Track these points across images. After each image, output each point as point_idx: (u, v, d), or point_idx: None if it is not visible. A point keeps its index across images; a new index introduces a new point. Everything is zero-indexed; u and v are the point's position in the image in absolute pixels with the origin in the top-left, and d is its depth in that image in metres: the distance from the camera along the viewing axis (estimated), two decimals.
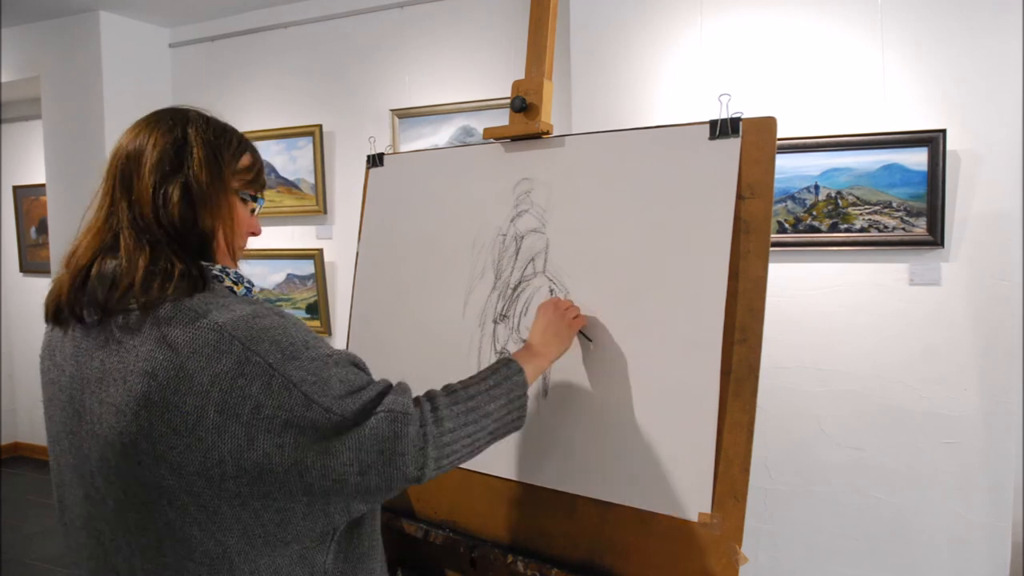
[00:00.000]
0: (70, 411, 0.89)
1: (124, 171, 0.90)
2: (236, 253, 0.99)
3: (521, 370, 1.11)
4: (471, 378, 1.07)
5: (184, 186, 0.89)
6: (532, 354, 1.21)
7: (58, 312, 0.90)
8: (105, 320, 0.86)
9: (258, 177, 1.01)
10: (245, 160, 0.99)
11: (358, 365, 0.93)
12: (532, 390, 1.43)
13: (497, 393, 1.05)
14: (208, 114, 0.98)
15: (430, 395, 0.98)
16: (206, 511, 0.81)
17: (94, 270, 0.87)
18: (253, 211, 1.01)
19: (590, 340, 1.36)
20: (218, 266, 0.94)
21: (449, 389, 1.02)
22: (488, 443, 1.03)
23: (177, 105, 0.98)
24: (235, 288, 0.94)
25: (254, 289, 0.98)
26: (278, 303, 3.46)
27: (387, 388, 0.91)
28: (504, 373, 1.09)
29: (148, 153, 0.89)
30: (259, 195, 1.02)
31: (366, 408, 0.86)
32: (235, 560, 0.82)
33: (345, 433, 0.83)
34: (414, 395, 0.96)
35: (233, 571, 0.83)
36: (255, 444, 0.80)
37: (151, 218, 0.87)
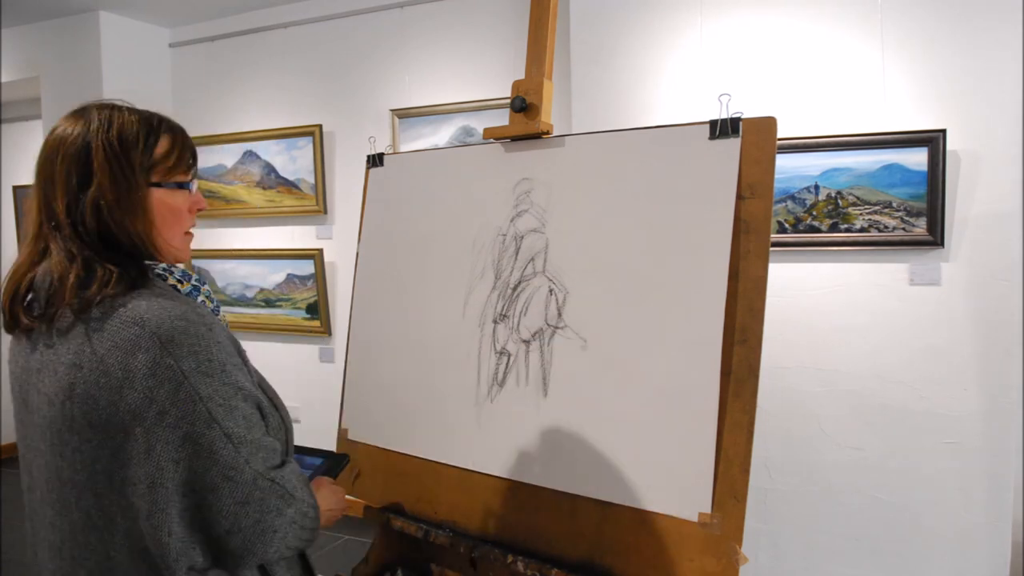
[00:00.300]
0: (20, 402, 0.92)
1: (45, 191, 0.90)
2: (175, 247, 0.96)
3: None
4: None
5: (94, 201, 0.87)
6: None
7: (6, 318, 0.91)
8: (48, 312, 0.88)
9: (180, 160, 0.95)
10: (162, 148, 0.93)
11: (262, 410, 0.92)
12: (533, 389, 1.44)
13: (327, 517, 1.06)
14: (119, 105, 0.93)
15: (309, 490, 0.97)
16: (104, 517, 0.83)
17: (37, 278, 0.88)
18: (189, 191, 0.97)
19: None
20: (161, 265, 0.93)
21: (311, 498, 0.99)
22: (282, 555, 0.97)
23: (90, 102, 0.94)
24: (179, 286, 0.93)
25: (203, 287, 0.97)
26: (277, 303, 3.47)
27: (279, 460, 0.91)
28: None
29: (58, 171, 0.88)
30: (188, 179, 0.97)
31: (259, 460, 0.87)
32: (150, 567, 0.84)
33: (237, 479, 0.84)
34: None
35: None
36: (152, 454, 0.81)
37: (72, 233, 0.87)
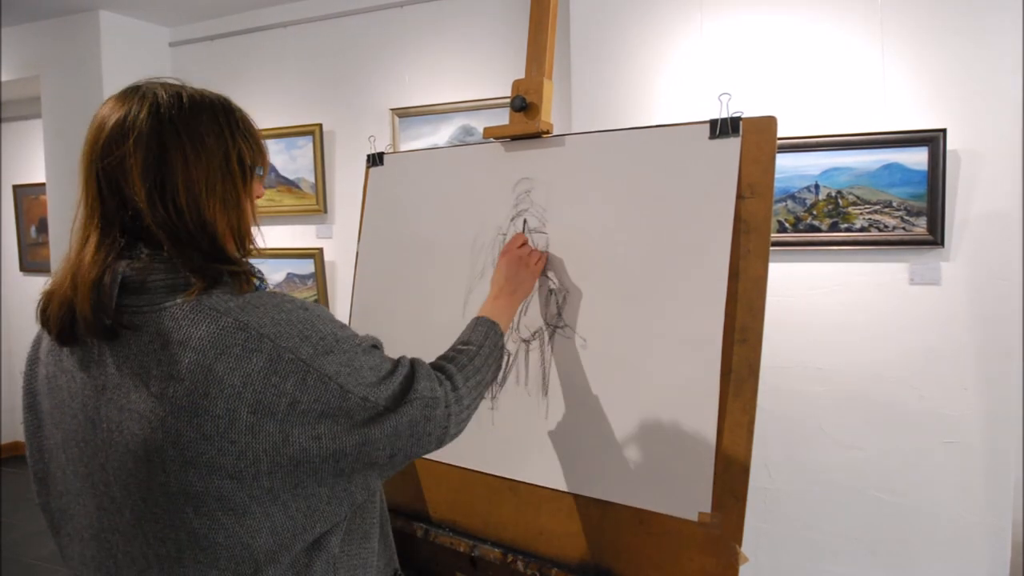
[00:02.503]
0: (82, 418, 0.84)
1: (109, 169, 0.83)
2: (246, 240, 0.92)
3: (502, 333, 1.19)
4: (469, 346, 1.11)
5: (186, 180, 0.83)
6: (502, 308, 1.28)
7: (71, 327, 0.82)
8: (116, 323, 0.81)
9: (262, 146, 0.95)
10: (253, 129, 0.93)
11: (378, 347, 0.94)
12: (533, 389, 1.44)
13: (491, 361, 1.12)
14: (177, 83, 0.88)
15: (446, 373, 1.00)
16: (235, 514, 0.78)
17: (106, 277, 0.81)
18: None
19: (552, 283, 1.44)
20: (233, 260, 0.87)
21: (458, 364, 1.04)
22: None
23: (151, 79, 0.89)
24: (247, 270, 0.89)
25: (266, 279, 0.94)
26: None
27: (412, 371, 0.93)
28: (493, 339, 1.15)
29: (129, 160, 0.82)
30: (259, 163, 0.94)
31: (396, 394, 0.87)
32: (260, 561, 0.81)
33: (381, 421, 0.84)
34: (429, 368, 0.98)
35: (258, 574, 0.81)
36: (291, 439, 0.78)
37: (164, 217, 0.82)
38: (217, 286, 0.83)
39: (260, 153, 0.93)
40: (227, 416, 0.76)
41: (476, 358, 1.08)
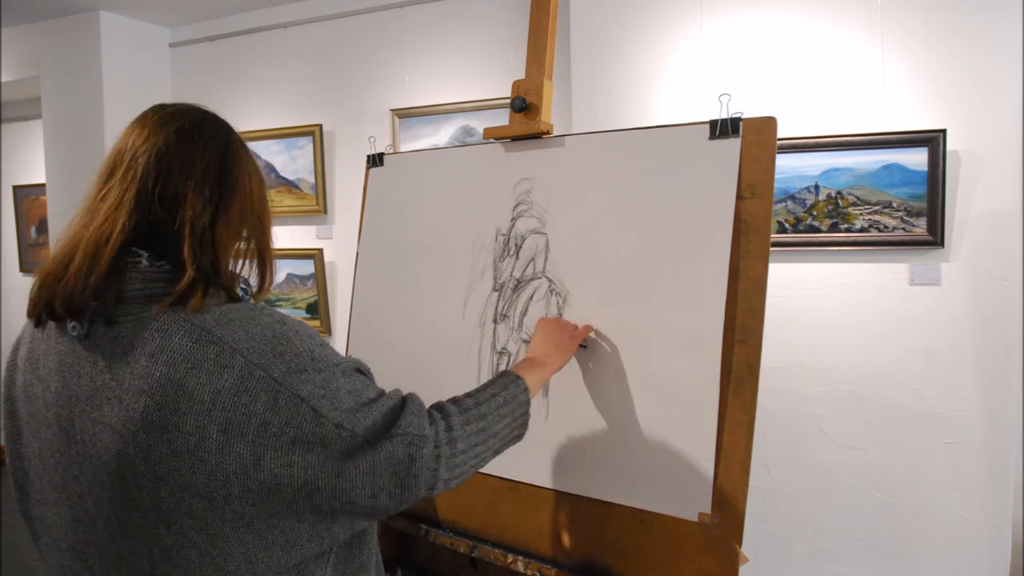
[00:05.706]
0: (56, 429, 0.83)
1: (155, 171, 0.82)
2: (266, 268, 0.94)
3: (526, 388, 1.11)
4: (480, 393, 1.05)
5: (244, 190, 0.88)
6: (534, 366, 1.20)
7: (51, 308, 0.82)
8: (92, 332, 0.81)
9: None
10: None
11: (363, 372, 0.89)
12: None
13: (505, 412, 1.04)
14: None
15: (444, 412, 0.95)
16: (207, 534, 0.77)
17: (94, 276, 0.79)
18: None
19: (584, 346, 1.37)
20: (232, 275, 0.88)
21: (462, 406, 0.99)
22: (490, 459, 1.01)
23: (198, 104, 0.91)
24: (235, 292, 0.88)
25: (250, 290, 0.94)
26: (278, 303, 3.46)
27: (400, 404, 0.88)
28: (512, 391, 1.08)
29: (196, 158, 0.84)
30: None
31: (377, 425, 0.83)
32: None
33: (358, 455, 0.80)
34: (425, 406, 0.93)
35: None
36: (261, 463, 0.76)
37: (201, 210, 0.83)
38: (195, 297, 0.81)
39: None
40: (197, 433, 0.75)
41: (484, 404, 1.01)
